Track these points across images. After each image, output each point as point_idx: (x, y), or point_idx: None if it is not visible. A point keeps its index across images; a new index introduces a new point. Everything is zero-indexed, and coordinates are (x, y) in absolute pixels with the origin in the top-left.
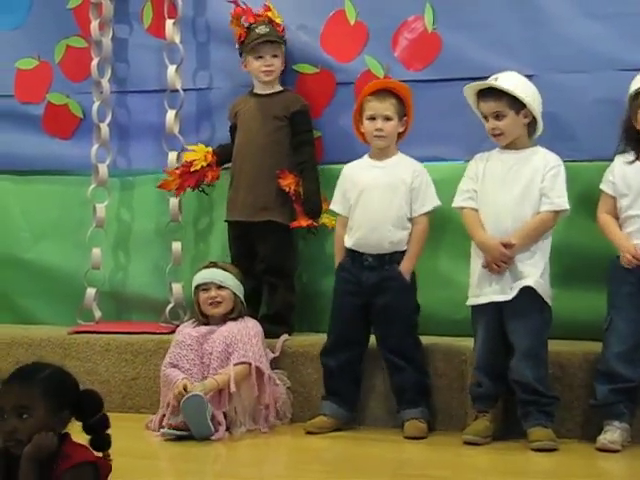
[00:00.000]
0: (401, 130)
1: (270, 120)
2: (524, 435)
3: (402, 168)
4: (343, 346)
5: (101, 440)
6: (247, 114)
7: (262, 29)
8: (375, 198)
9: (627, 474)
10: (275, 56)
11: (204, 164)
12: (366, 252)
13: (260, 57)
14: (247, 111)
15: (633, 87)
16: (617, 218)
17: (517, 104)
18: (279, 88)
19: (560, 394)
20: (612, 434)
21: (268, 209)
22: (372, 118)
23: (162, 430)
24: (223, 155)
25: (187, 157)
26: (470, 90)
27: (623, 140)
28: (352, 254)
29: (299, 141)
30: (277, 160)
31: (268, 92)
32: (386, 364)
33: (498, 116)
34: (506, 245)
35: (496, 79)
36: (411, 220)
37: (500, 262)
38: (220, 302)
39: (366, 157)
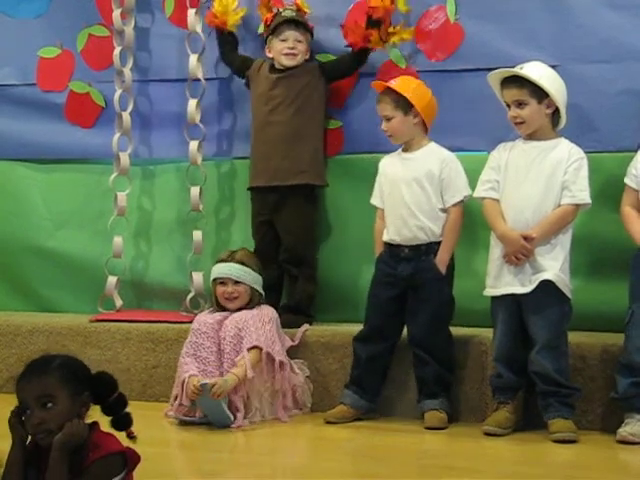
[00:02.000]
0: (416, 121)
1: (296, 90)
2: (545, 427)
3: (430, 159)
4: (376, 337)
5: (122, 419)
6: (265, 87)
7: (288, 13)
8: (404, 191)
9: None
10: (299, 41)
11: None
12: (402, 244)
13: (284, 40)
14: (266, 84)
15: None
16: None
17: (540, 93)
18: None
19: (581, 386)
20: (632, 426)
21: (305, 172)
22: (381, 119)
23: (177, 415)
24: (233, 46)
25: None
26: (494, 78)
27: None
28: (389, 246)
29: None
30: (308, 120)
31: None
32: (413, 356)
33: (520, 104)
34: (527, 238)
35: (521, 68)
36: (444, 211)
37: (520, 255)
38: (236, 297)
39: (399, 150)
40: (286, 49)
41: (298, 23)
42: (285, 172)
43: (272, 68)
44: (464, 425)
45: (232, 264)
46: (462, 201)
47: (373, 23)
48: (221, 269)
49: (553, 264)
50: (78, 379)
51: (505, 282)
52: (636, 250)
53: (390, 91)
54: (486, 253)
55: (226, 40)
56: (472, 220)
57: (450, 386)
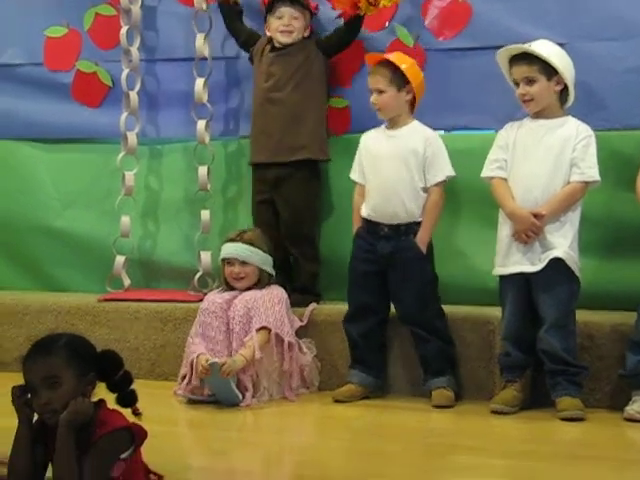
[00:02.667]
0: (408, 98)
1: (294, 66)
2: (552, 405)
3: (414, 137)
4: (363, 313)
5: (127, 396)
6: (265, 64)
7: None
8: (387, 167)
9: None
10: (295, 18)
11: None
12: (382, 222)
13: (280, 18)
14: (265, 61)
15: None
16: None
17: (549, 71)
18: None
19: (589, 364)
20: (639, 404)
21: (305, 147)
22: (371, 92)
23: (186, 393)
24: (239, 16)
25: None
26: (503, 55)
27: None
28: (368, 223)
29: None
30: (308, 96)
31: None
32: (411, 334)
33: (530, 81)
34: (536, 215)
35: (530, 45)
36: (425, 191)
37: (530, 232)
38: (243, 277)
39: (382, 126)
40: (282, 26)
41: (294, 0)
42: (286, 148)
43: (271, 46)
44: (471, 403)
45: (239, 244)
46: (444, 181)
47: None
48: (229, 249)
49: (562, 241)
50: (83, 359)
51: (514, 261)
52: None
53: (386, 65)
54: (493, 232)
55: (231, 10)
56: (479, 199)
57: (454, 362)
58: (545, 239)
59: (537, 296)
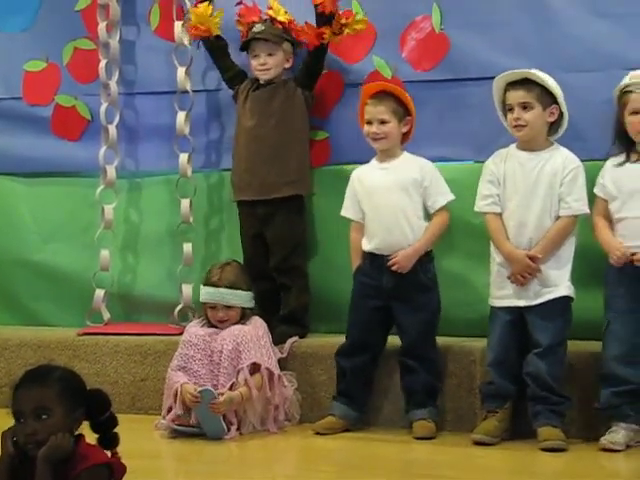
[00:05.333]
0: (405, 131)
1: (276, 103)
2: (534, 435)
3: (409, 167)
4: (360, 350)
5: (110, 438)
6: (249, 103)
7: (258, 27)
8: (385, 199)
9: (635, 475)
10: (270, 54)
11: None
12: (386, 254)
13: (256, 56)
14: (250, 100)
15: (620, 85)
16: (610, 221)
17: (546, 100)
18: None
19: (570, 394)
20: (615, 435)
21: (292, 183)
22: (369, 122)
23: (169, 424)
24: (224, 50)
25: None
26: (501, 81)
27: (614, 141)
28: (371, 257)
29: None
30: (290, 132)
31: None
32: (400, 365)
33: (525, 107)
34: (532, 258)
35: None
36: (427, 217)
37: (526, 274)
38: (227, 320)
39: (373, 160)
40: (258, 65)
41: (268, 36)
42: (272, 185)
43: (255, 85)
44: (453, 434)
45: (221, 290)
46: (445, 205)
47: (324, 20)
48: (211, 294)
49: (561, 274)
50: (74, 395)
51: (509, 294)
52: (608, 260)
53: (389, 95)
54: (480, 263)
55: (216, 45)
56: (466, 230)
57: (438, 395)
58: (542, 273)
59: (532, 323)
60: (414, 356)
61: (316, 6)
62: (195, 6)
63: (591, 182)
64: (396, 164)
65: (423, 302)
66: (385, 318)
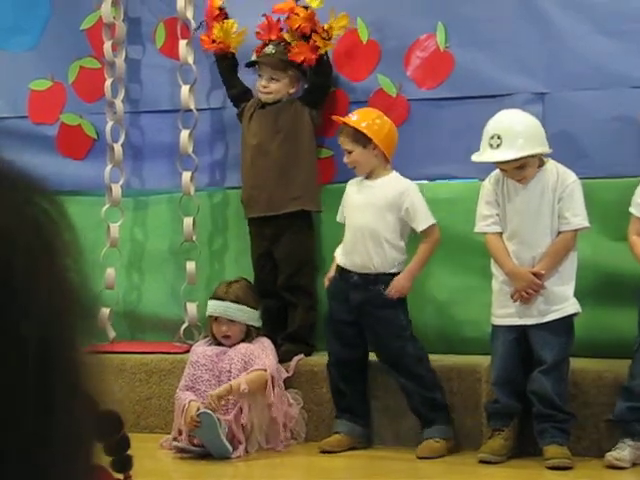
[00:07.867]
0: (376, 153)
1: (281, 122)
2: (540, 453)
3: (390, 188)
4: (342, 362)
5: (123, 461)
6: (254, 121)
7: (269, 49)
8: (357, 217)
9: None
10: (274, 79)
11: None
12: (352, 270)
13: (260, 76)
14: (255, 118)
15: None
16: None
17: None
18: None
19: (575, 411)
20: (620, 451)
21: (298, 198)
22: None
23: (176, 443)
24: (234, 68)
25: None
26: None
27: None
28: (341, 270)
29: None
30: (297, 150)
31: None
32: (400, 387)
33: (520, 167)
34: (536, 274)
35: (498, 145)
36: (403, 241)
37: (530, 290)
38: (230, 336)
39: (363, 176)
40: (260, 86)
41: (276, 61)
42: (279, 201)
43: (259, 101)
44: (459, 453)
45: (227, 303)
46: (434, 225)
47: (308, 39)
48: (216, 307)
49: (564, 290)
50: None
51: (512, 312)
52: None
53: (347, 126)
54: (480, 281)
55: (227, 62)
56: (465, 248)
57: (442, 407)
58: (546, 289)
59: (536, 340)
60: (401, 372)
61: (296, 30)
62: (215, 20)
63: (594, 200)
64: (379, 183)
65: (387, 320)
66: (359, 330)
